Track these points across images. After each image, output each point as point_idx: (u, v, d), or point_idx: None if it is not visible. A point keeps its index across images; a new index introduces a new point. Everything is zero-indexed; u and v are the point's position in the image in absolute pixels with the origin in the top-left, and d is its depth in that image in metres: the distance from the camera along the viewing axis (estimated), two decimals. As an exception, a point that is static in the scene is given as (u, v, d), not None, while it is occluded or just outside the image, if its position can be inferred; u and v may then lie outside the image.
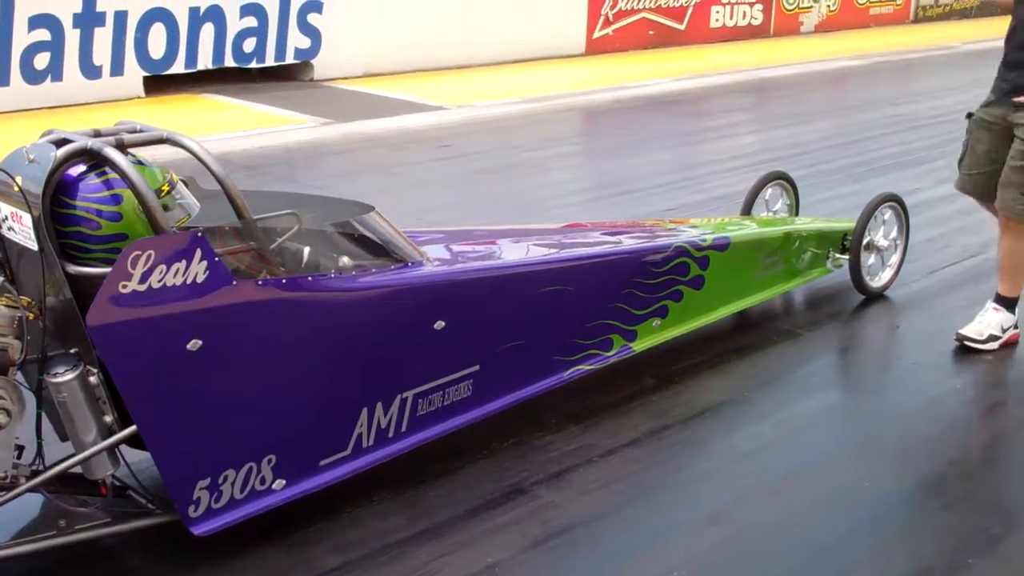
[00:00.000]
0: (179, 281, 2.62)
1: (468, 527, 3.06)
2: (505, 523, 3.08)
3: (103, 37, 8.82)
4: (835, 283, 5.02)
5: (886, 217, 4.97)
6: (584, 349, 3.78)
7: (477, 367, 3.38)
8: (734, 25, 14.27)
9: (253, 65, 9.92)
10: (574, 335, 3.73)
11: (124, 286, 2.53)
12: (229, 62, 9.71)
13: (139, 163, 2.71)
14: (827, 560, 2.94)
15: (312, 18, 10.11)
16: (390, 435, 3.19)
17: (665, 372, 4.09)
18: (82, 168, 2.68)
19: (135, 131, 2.86)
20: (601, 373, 3.83)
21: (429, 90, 10.08)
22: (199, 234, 2.66)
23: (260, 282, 2.80)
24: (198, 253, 2.64)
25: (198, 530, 2.80)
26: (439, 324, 3.24)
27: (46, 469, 2.73)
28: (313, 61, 10.28)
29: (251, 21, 9.72)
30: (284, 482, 2.96)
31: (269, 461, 2.91)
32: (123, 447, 2.75)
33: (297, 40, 10.10)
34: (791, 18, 15.19)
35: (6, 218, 2.70)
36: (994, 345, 4.30)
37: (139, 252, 2.54)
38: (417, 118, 8.92)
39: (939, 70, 13.18)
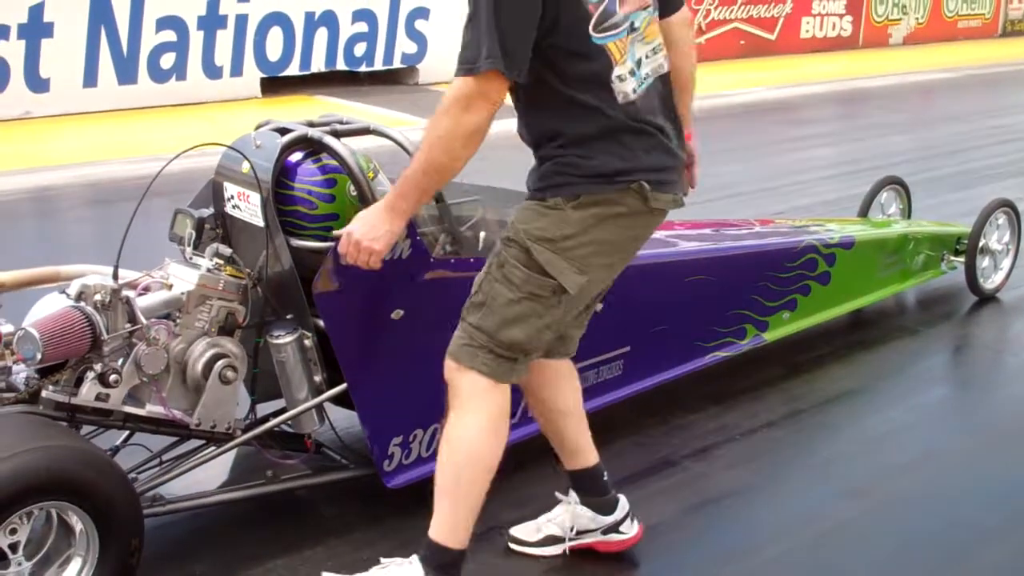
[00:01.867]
0: (388, 256, 2.91)
1: (627, 492, 3.28)
2: (660, 490, 3.34)
3: (225, 39, 9.23)
4: (948, 285, 5.21)
5: (1000, 222, 5.15)
6: (722, 336, 4.02)
7: (628, 348, 3.64)
8: (824, 36, 14.40)
9: (363, 69, 10.28)
10: (713, 323, 3.98)
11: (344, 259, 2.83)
12: (340, 65, 10.09)
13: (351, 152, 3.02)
14: (963, 530, 3.15)
15: (420, 24, 10.46)
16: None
17: (793, 361, 4.33)
18: (300, 155, 3.00)
19: (343, 123, 3.17)
20: (734, 361, 4.07)
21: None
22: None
23: (453, 261, 3.09)
24: (405, 232, 2.94)
25: (390, 483, 3.08)
26: (599, 306, 3.50)
27: (259, 423, 3.04)
28: (419, 66, 10.62)
29: (362, 26, 10.09)
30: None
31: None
32: (326, 407, 3.06)
33: (405, 45, 10.45)
34: (880, 30, 15.28)
35: (232, 197, 3.01)
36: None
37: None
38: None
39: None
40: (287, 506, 3.14)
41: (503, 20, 2.35)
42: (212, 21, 9.09)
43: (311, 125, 3.10)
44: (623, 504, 2.95)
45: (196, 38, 9.05)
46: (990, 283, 5.15)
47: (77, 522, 2.49)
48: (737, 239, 4.23)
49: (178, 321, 2.85)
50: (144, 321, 2.75)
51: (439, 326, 3.06)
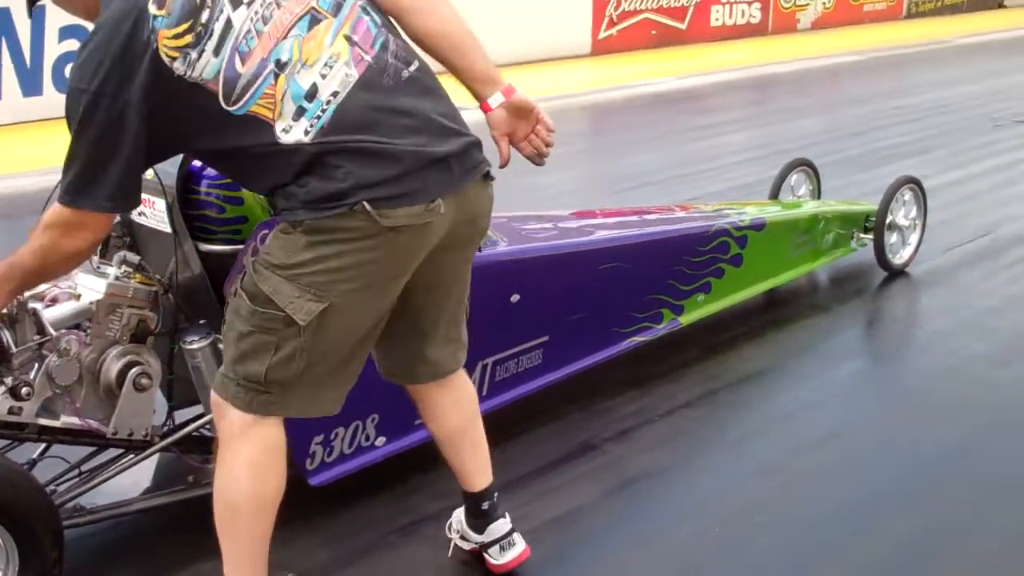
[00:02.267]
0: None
1: (549, 478, 3.37)
2: (582, 474, 3.39)
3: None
4: (859, 262, 5.33)
5: (906, 198, 5.29)
6: (639, 322, 4.09)
7: (547, 337, 3.69)
8: (733, 24, 14.64)
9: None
10: (630, 309, 4.04)
11: (246, 258, 2.83)
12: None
13: None
14: (874, 504, 3.24)
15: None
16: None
17: (709, 343, 4.41)
18: (205, 159, 2.99)
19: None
20: (651, 345, 4.13)
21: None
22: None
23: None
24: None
25: (314, 481, 3.10)
26: (515, 297, 3.54)
27: (177, 429, 3.03)
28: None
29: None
30: (385, 439, 3.25)
31: (372, 420, 3.21)
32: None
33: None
34: (788, 16, 15.56)
35: (140, 213, 3.00)
36: None
37: (266, 231, 2.84)
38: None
39: (934, 64, 13.54)
40: (209, 511, 3.12)
41: (114, 154, 2.22)
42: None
43: None
44: (498, 527, 2.81)
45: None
46: (898, 258, 5.28)
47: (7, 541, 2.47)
48: (650, 225, 4.29)
49: (88, 331, 2.84)
50: (53, 332, 2.73)
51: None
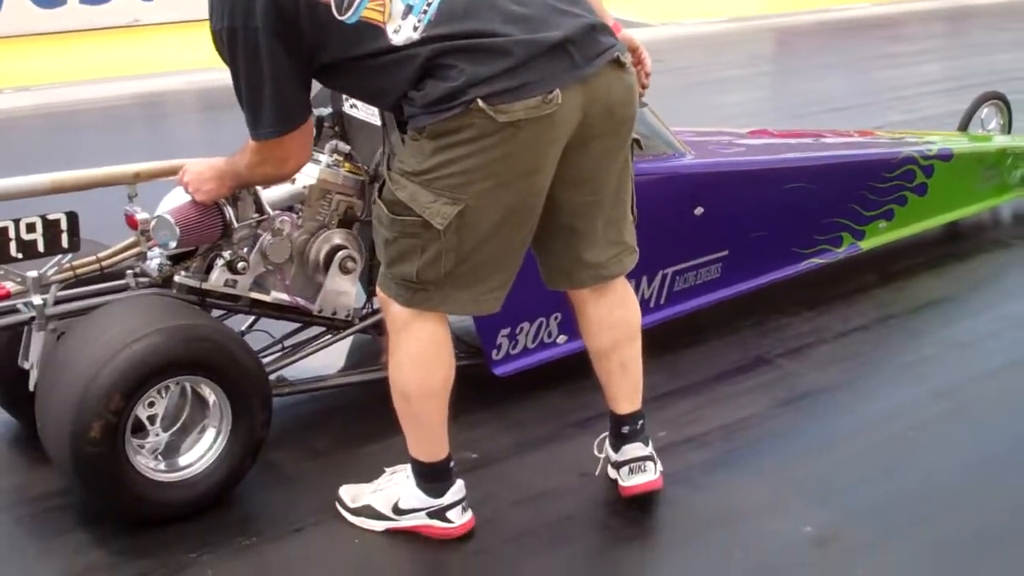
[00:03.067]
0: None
1: (720, 387, 3.47)
2: (752, 386, 3.48)
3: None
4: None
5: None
6: (819, 243, 4.11)
7: (727, 252, 3.76)
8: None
9: None
10: (811, 230, 4.07)
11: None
12: None
13: None
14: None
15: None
16: (651, 306, 3.60)
17: (887, 270, 4.40)
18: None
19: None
20: (829, 268, 4.16)
21: (629, 7, 10.35)
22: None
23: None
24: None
25: (499, 370, 3.28)
26: (699, 210, 3.62)
27: (375, 313, 3.23)
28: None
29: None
30: (566, 337, 3.40)
31: (555, 318, 3.36)
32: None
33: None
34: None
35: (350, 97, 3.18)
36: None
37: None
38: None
39: None
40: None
41: (264, 79, 2.37)
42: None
43: None
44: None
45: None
46: (1089, 199, 5.13)
47: (210, 395, 2.72)
48: (837, 148, 4.28)
49: (301, 214, 3.04)
50: (270, 212, 2.94)
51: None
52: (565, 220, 2.57)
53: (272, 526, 2.74)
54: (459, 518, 2.68)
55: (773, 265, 3.97)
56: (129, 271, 2.91)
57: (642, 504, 2.83)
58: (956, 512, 2.85)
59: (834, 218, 4.14)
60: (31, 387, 2.75)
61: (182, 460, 2.72)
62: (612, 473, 2.86)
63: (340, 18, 2.31)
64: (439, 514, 2.67)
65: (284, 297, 3.04)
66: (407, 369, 2.56)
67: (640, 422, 2.82)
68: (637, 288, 3.52)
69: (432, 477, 2.67)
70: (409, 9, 2.30)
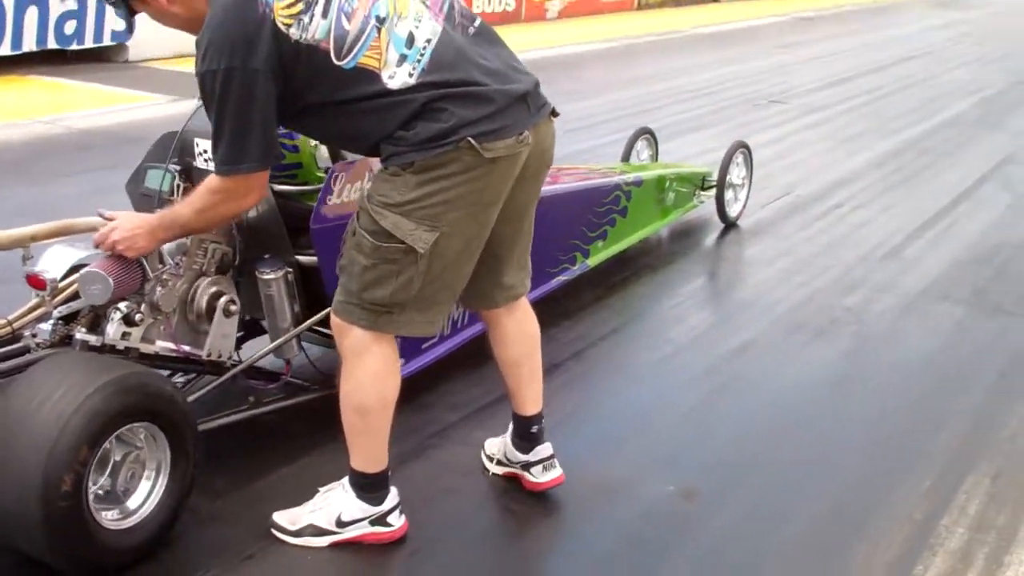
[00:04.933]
0: (356, 196, 3.37)
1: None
2: (557, 387, 3.98)
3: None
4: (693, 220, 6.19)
5: (739, 160, 6.17)
6: (561, 263, 4.72)
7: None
8: (492, 11, 15.46)
9: (73, 47, 10.11)
10: (556, 251, 4.67)
11: (330, 199, 3.26)
12: (52, 44, 9.88)
13: None
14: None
15: (127, 1, 10.39)
16: (461, 326, 4.01)
17: (608, 282, 5.10)
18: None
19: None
20: (567, 285, 4.77)
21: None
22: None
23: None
24: (366, 176, 3.41)
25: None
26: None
27: (243, 359, 3.39)
28: (128, 43, 10.57)
29: (71, 4, 9.92)
30: (402, 360, 3.72)
31: (393, 344, 3.68)
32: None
33: (115, 23, 10.35)
34: (538, 6, 16.58)
35: (204, 151, 3.33)
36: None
37: (338, 173, 3.28)
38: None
39: (679, 51, 14.77)
40: (265, 427, 3.50)
41: (254, 119, 2.59)
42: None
43: None
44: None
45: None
46: (733, 212, 6.16)
47: (150, 438, 2.81)
48: (571, 179, 4.92)
49: (180, 264, 3.18)
50: (171, 262, 3.07)
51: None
52: (493, 249, 2.92)
53: (223, 558, 2.87)
54: (397, 521, 2.97)
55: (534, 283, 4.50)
56: (26, 334, 2.92)
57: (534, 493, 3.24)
58: (768, 448, 3.58)
59: (570, 240, 4.77)
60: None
61: (131, 504, 2.79)
62: (518, 472, 3.24)
63: (338, 63, 2.59)
64: (381, 520, 2.94)
65: (170, 346, 3.15)
66: (368, 386, 2.83)
67: (543, 421, 3.23)
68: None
69: (374, 487, 2.93)
70: (404, 58, 2.64)
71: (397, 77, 2.63)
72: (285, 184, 3.41)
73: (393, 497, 2.97)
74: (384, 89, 2.62)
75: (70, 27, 10.05)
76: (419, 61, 2.64)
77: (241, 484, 3.22)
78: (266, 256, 3.36)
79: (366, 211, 2.71)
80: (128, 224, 2.87)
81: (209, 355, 3.22)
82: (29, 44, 9.70)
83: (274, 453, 3.40)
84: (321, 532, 2.93)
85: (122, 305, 3.01)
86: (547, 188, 4.59)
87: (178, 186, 3.34)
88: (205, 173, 3.31)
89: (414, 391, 3.71)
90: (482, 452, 3.39)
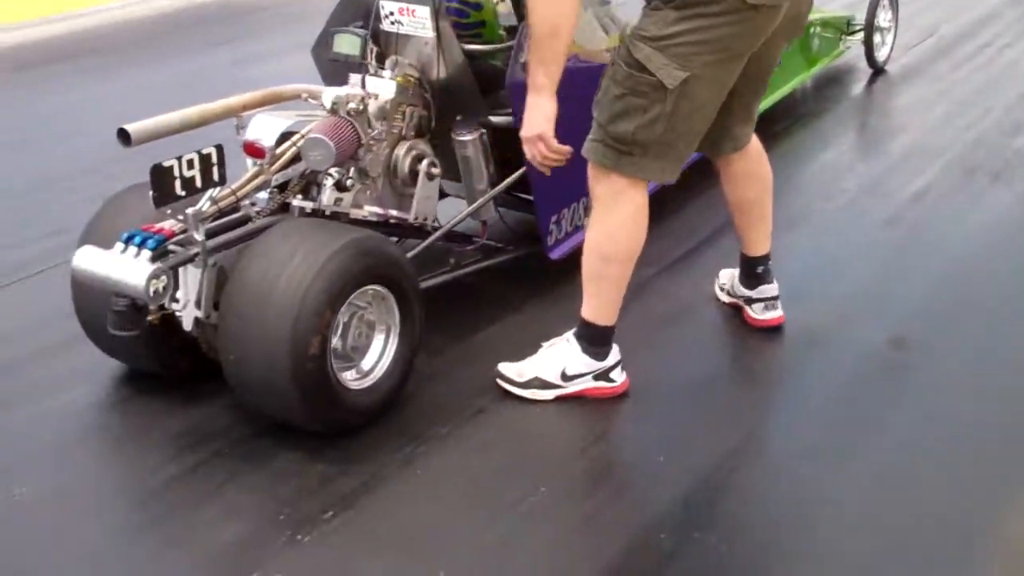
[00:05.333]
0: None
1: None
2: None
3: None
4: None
5: (885, 2, 5.94)
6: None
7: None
8: None
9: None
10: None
11: (521, 56, 3.20)
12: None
13: None
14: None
15: None
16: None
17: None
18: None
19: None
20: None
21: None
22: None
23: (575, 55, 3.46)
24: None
25: (554, 254, 3.54)
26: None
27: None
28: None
29: None
30: (588, 219, 3.70)
31: (581, 202, 3.65)
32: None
33: None
34: None
35: (391, 13, 3.27)
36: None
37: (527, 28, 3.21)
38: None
39: None
40: (462, 288, 3.51)
41: None
42: None
43: None
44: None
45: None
46: (881, 56, 5.96)
47: (382, 300, 2.85)
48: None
49: (382, 129, 3.15)
50: (379, 128, 3.05)
51: (579, 115, 3.49)
52: (727, 102, 2.83)
53: (457, 414, 2.91)
54: (619, 377, 2.99)
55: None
56: (244, 203, 2.93)
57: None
58: (970, 294, 3.55)
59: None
60: (187, 326, 2.75)
61: (365, 365, 2.83)
62: (741, 304, 3.34)
63: None
64: (604, 375, 2.97)
65: (377, 210, 3.16)
66: (615, 234, 2.84)
67: (769, 262, 3.26)
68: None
69: (601, 340, 2.95)
70: None
71: None
72: (472, 43, 3.35)
73: (615, 353, 2.97)
74: None
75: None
76: None
77: (457, 343, 3.26)
78: (458, 118, 3.33)
79: (625, 44, 2.68)
80: (524, 119, 2.77)
81: (416, 219, 3.23)
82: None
83: (480, 313, 3.41)
84: (547, 385, 2.96)
85: (333, 171, 3.01)
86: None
87: (371, 49, 3.29)
88: (392, 36, 3.29)
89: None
90: (716, 280, 3.49)
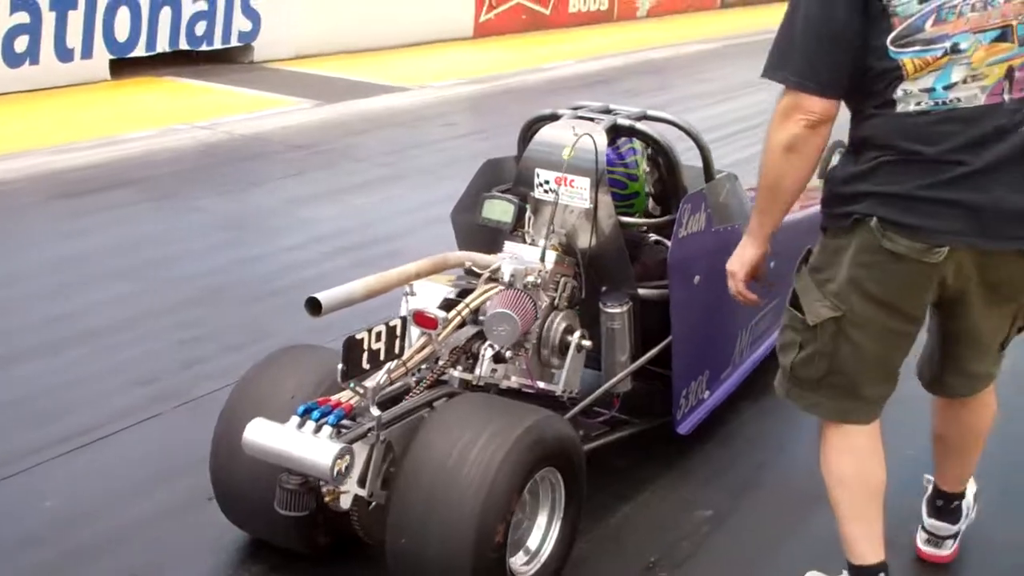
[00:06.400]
0: (695, 229, 3.29)
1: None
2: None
3: (76, 20, 8.84)
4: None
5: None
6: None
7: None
8: (587, 11, 15.43)
9: (203, 48, 10.08)
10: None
11: (681, 232, 3.18)
12: (183, 45, 9.85)
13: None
14: None
15: (254, 2, 10.36)
16: (744, 356, 3.93)
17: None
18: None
19: (610, 111, 3.47)
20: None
21: (374, 71, 10.47)
22: (703, 191, 3.36)
23: (723, 229, 3.47)
24: (703, 206, 3.32)
25: (682, 429, 3.47)
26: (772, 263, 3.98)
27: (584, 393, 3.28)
28: (253, 43, 10.53)
29: (202, 4, 9.89)
30: (708, 392, 3.65)
31: (704, 375, 3.60)
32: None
33: (241, 23, 10.33)
34: (630, 4, 16.49)
35: (546, 182, 3.24)
36: None
37: (687, 205, 3.20)
38: (393, 98, 9.41)
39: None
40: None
41: (811, 37, 2.31)
42: (63, 2, 8.70)
43: (608, 111, 3.40)
44: (942, 528, 2.97)
45: (48, 19, 8.62)
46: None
47: (555, 481, 2.75)
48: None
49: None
50: (547, 300, 2.99)
51: (715, 289, 3.46)
52: (938, 339, 2.66)
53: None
54: None
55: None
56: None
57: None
58: None
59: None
60: (344, 504, 2.62)
61: (531, 546, 2.72)
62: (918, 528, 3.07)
63: (888, 46, 2.29)
64: None
65: (526, 381, 3.08)
66: (831, 468, 2.64)
67: (955, 503, 2.99)
68: (742, 339, 3.84)
69: None
70: (928, 92, 2.30)
71: (906, 100, 2.31)
72: (625, 215, 3.33)
73: None
74: (888, 98, 2.32)
75: (201, 28, 9.99)
76: (935, 105, 2.30)
77: (594, 522, 3.14)
78: (604, 289, 3.29)
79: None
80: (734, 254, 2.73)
81: (564, 391, 3.15)
82: (162, 45, 9.66)
83: (608, 491, 3.30)
84: None
85: (490, 343, 2.94)
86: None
87: (528, 218, 3.25)
88: (543, 203, 3.26)
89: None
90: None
